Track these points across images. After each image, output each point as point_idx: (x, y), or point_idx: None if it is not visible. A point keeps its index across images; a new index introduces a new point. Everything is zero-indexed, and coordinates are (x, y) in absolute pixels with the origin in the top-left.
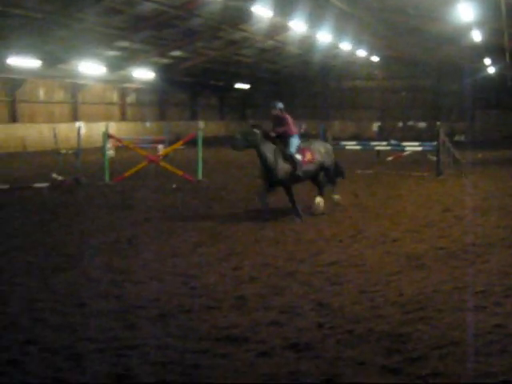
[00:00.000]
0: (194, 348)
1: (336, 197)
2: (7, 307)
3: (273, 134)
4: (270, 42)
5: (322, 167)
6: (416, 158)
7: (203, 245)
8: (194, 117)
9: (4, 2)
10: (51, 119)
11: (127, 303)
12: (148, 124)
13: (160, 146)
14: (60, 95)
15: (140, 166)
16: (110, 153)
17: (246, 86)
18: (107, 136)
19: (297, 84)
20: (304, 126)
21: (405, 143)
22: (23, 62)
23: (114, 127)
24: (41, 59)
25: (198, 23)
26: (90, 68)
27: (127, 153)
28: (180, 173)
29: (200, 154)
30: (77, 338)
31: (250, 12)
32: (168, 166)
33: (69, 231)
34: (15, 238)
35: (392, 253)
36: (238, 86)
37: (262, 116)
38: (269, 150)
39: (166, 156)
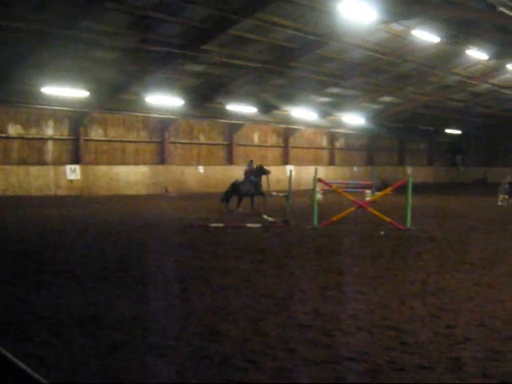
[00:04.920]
0: None
1: None
2: (221, 346)
3: None
4: (485, 86)
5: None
6: None
7: (414, 297)
8: (401, 162)
9: (227, 55)
10: (264, 162)
11: (337, 353)
12: (355, 169)
13: (368, 192)
14: (273, 139)
15: (348, 210)
16: (319, 196)
17: (457, 131)
18: (317, 180)
19: None
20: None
21: None
22: (241, 108)
23: (322, 171)
24: (256, 106)
25: (410, 68)
26: (302, 114)
27: (334, 196)
28: (388, 220)
29: (409, 201)
30: None
31: (465, 55)
32: (376, 212)
33: (278, 274)
34: (228, 278)
35: None
36: (449, 131)
37: (472, 162)
38: None
39: (373, 201)
